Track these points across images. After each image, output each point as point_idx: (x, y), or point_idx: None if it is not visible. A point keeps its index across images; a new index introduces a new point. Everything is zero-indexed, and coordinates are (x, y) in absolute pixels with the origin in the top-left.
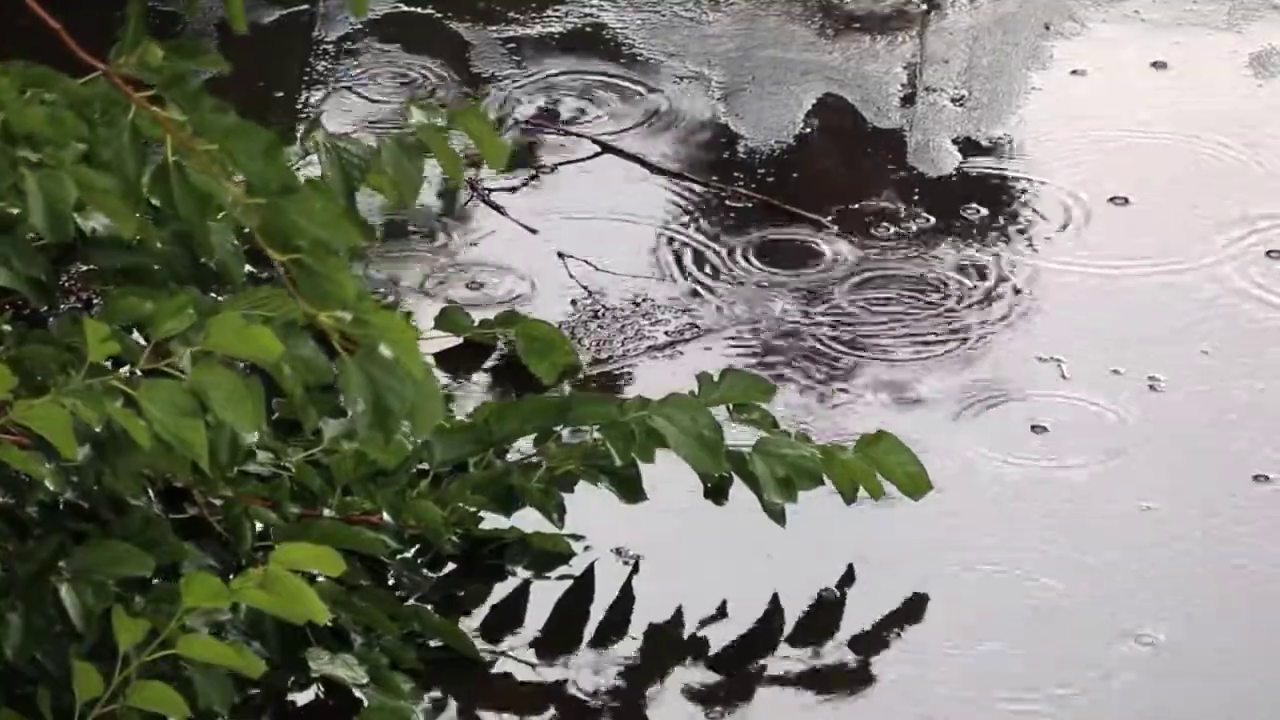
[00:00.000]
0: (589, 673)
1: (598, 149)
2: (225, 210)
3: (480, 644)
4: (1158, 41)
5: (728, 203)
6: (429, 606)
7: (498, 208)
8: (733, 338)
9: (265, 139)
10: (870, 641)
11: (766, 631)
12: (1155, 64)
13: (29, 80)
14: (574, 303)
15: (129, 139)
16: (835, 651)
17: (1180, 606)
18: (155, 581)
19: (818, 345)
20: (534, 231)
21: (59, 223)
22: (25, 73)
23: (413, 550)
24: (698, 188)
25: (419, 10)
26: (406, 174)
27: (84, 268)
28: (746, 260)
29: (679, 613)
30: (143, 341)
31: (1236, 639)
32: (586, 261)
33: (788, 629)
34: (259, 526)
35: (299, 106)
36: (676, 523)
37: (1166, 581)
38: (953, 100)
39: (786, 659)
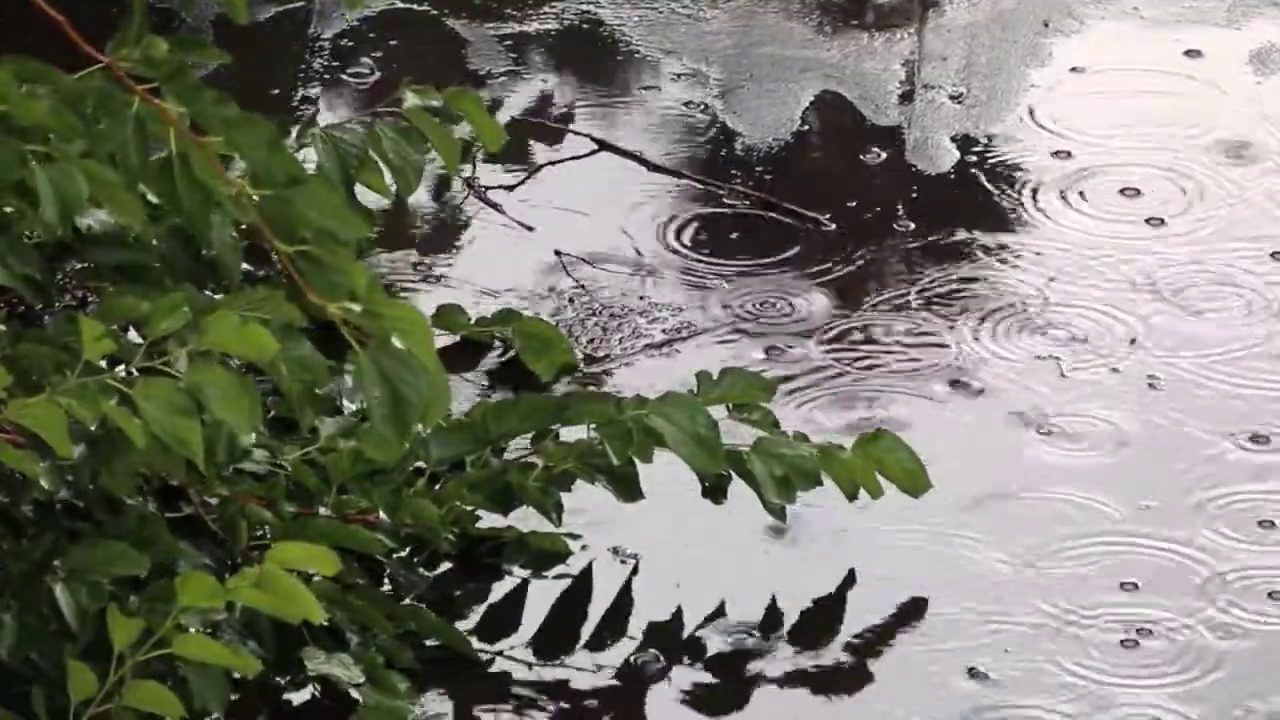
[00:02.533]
0: (586, 673)
1: (595, 146)
2: (225, 205)
3: (477, 643)
4: (1157, 39)
5: (725, 200)
6: (425, 606)
7: (494, 205)
8: (731, 336)
9: (269, 130)
10: (869, 642)
11: (765, 632)
12: (1153, 61)
13: (24, 76)
14: (571, 300)
15: (132, 131)
16: (834, 652)
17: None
18: (150, 581)
19: (818, 344)
20: (531, 229)
21: (70, 215)
22: (20, 68)
23: (409, 549)
24: (695, 185)
25: (415, 7)
26: (407, 160)
27: (79, 265)
28: (745, 258)
29: (677, 613)
30: (139, 340)
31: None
32: (584, 259)
33: (786, 629)
34: (255, 525)
35: (295, 103)
36: (674, 522)
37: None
38: (951, 98)
39: (785, 660)
